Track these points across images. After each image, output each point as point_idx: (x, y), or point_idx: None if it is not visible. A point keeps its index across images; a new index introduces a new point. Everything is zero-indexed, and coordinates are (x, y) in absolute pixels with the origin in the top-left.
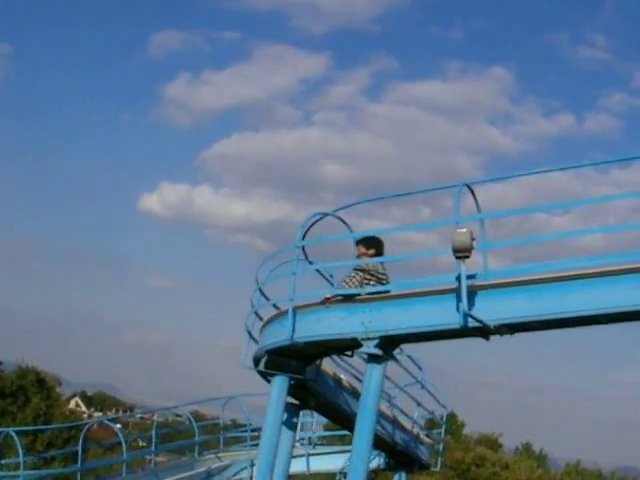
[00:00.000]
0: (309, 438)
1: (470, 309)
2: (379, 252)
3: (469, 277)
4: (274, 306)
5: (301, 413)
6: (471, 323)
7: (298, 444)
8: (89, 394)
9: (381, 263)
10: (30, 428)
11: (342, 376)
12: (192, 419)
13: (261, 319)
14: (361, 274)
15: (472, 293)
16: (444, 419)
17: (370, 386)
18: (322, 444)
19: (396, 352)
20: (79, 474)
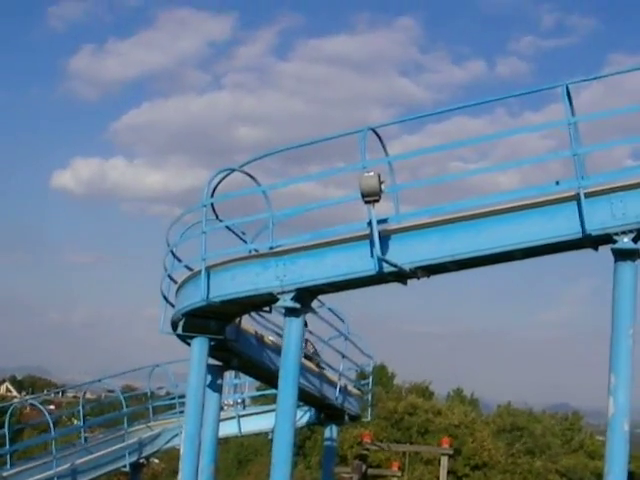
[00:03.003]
0: (243, 400)
1: (384, 254)
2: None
3: (380, 222)
4: (187, 268)
5: (232, 374)
6: (386, 268)
7: (231, 407)
8: (19, 378)
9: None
10: None
11: (270, 337)
12: (119, 391)
13: (175, 282)
14: None
15: (385, 238)
16: (370, 369)
17: (290, 340)
18: (257, 405)
19: (317, 305)
20: (8, 455)
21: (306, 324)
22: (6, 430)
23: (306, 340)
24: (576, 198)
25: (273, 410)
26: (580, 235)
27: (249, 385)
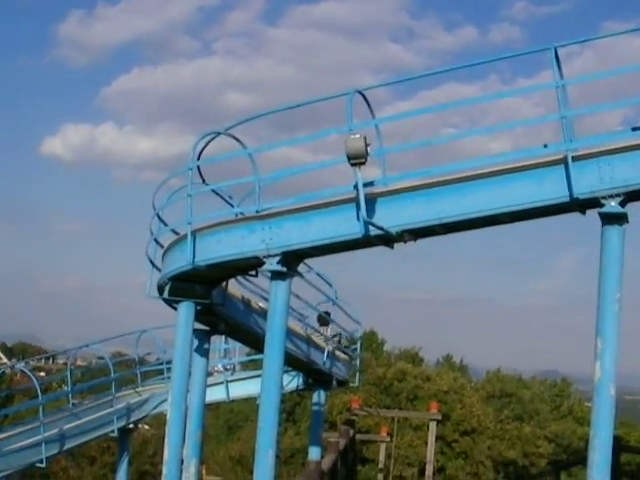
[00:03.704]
0: (233, 366)
1: (370, 217)
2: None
3: (367, 184)
4: (173, 232)
5: (222, 340)
6: (372, 231)
7: (220, 373)
8: (9, 345)
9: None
10: None
11: (260, 304)
12: (107, 357)
13: (162, 246)
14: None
15: (371, 201)
16: (359, 334)
17: (276, 304)
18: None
19: (304, 270)
20: None
21: (330, 315)
22: None
23: (339, 334)
24: (564, 161)
25: (261, 375)
26: (568, 199)
27: (239, 350)
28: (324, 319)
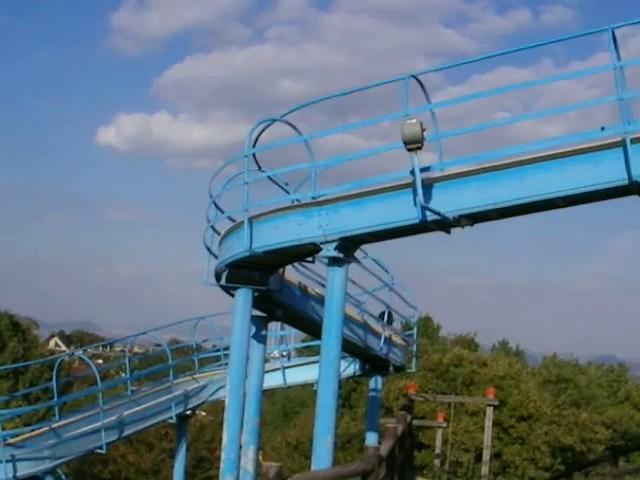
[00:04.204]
0: (288, 352)
1: (427, 202)
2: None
3: (423, 170)
4: (230, 219)
5: (278, 326)
6: (429, 216)
7: (276, 359)
8: (67, 333)
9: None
10: (6, 367)
11: (316, 290)
12: (164, 343)
13: (218, 233)
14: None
15: (428, 186)
16: (415, 320)
17: (333, 290)
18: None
19: (361, 256)
20: (57, 407)
21: (391, 316)
22: (54, 383)
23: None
24: (622, 144)
25: (317, 361)
26: (626, 182)
27: (294, 336)
28: (390, 318)
